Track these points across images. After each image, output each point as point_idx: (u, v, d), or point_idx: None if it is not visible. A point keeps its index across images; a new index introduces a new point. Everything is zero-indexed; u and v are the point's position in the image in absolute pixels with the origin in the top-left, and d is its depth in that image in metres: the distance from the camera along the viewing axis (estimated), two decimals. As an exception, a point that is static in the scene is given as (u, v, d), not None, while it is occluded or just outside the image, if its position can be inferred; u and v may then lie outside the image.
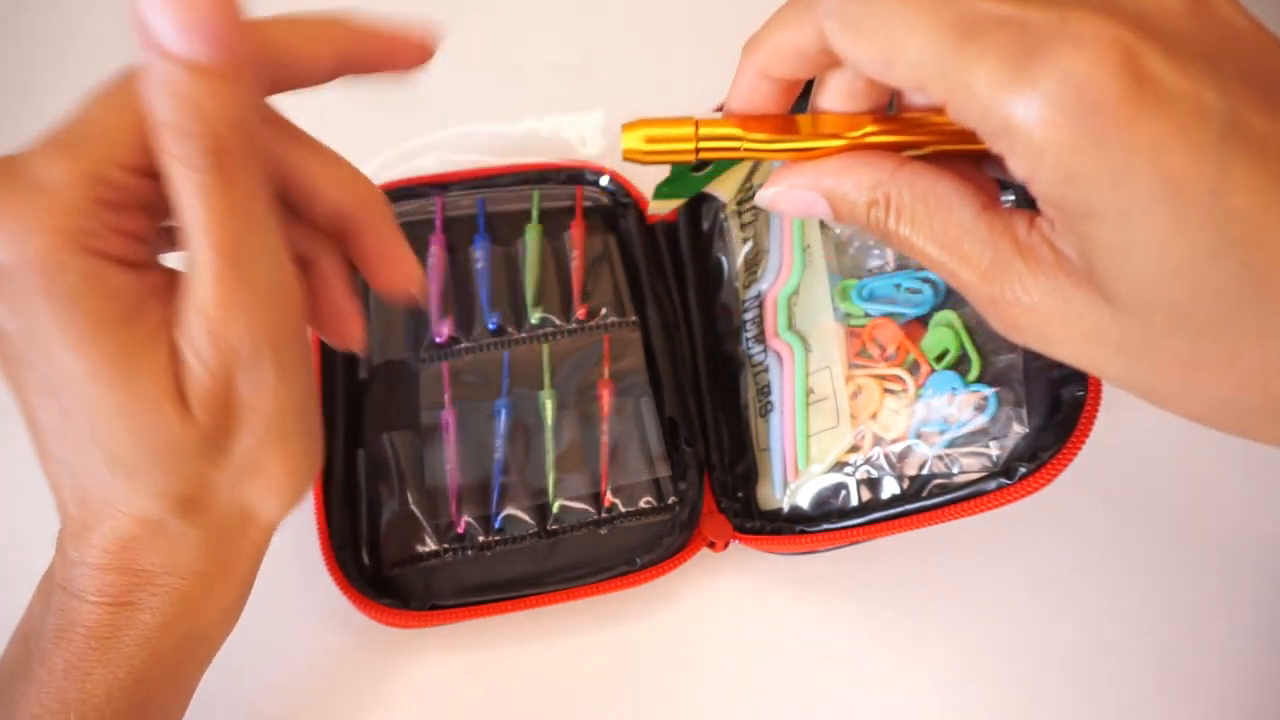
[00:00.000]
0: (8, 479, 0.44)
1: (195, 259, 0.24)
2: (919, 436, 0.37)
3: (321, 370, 0.42)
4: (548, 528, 0.40)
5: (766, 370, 0.41)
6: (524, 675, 0.40)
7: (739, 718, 0.39)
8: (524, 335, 0.44)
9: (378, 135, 0.52)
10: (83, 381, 0.24)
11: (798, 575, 0.41)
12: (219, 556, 0.28)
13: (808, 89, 0.27)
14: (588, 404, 0.42)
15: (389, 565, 0.40)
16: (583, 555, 0.40)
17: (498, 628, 0.39)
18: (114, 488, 0.26)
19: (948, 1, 0.21)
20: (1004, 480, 0.35)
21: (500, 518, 0.40)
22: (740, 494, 0.41)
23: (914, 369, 0.38)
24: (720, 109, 0.28)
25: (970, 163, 0.26)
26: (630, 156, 0.26)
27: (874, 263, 0.40)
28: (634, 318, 0.44)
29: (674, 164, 0.27)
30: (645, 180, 0.47)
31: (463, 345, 0.43)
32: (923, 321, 0.38)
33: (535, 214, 0.46)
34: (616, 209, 0.47)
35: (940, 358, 0.37)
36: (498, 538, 0.40)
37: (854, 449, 0.38)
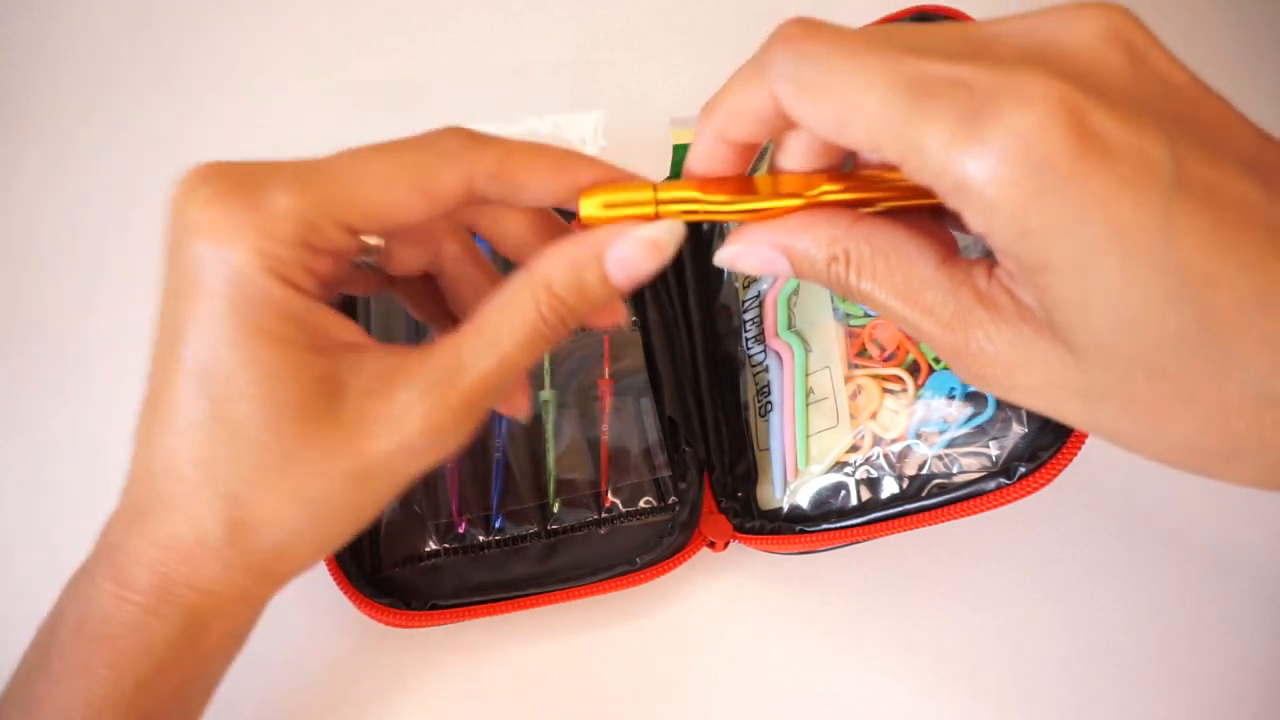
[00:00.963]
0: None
1: (474, 355, 0.27)
2: (918, 436, 0.37)
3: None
4: (548, 528, 0.40)
5: (766, 370, 0.41)
6: (524, 675, 0.40)
7: (739, 717, 0.39)
8: (524, 335, 0.44)
9: (378, 135, 0.52)
10: (225, 378, 0.26)
11: (798, 575, 0.41)
12: (237, 583, 0.28)
13: None
14: (588, 404, 0.42)
15: (389, 565, 0.40)
16: (583, 555, 0.40)
17: (498, 628, 0.39)
18: (189, 483, 0.27)
19: (897, 63, 0.22)
20: (1003, 480, 0.35)
21: (500, 518, 0.40)
22: (740, 494, 0.41)
23: (913, 369, 0.38)
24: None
25: (926, 215, 0.26)
26: (589, 222, 0.27)
27: (874, 263, 0.40)
28: (634, 318, 0.44)
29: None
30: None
31: (463, 345, 0.43)
32: (922, 321, 0.38)
33: (535, 214, 0.46)
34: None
35: (940, 358, 0.37)
36: (498, 538, 0.40)
37: (854, 449, 0.38)
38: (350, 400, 0.27)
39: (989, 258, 0.24)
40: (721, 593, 0.41)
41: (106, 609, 0.27)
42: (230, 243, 0.25)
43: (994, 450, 0.36)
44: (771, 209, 0.26)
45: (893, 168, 0.24)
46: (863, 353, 0.39)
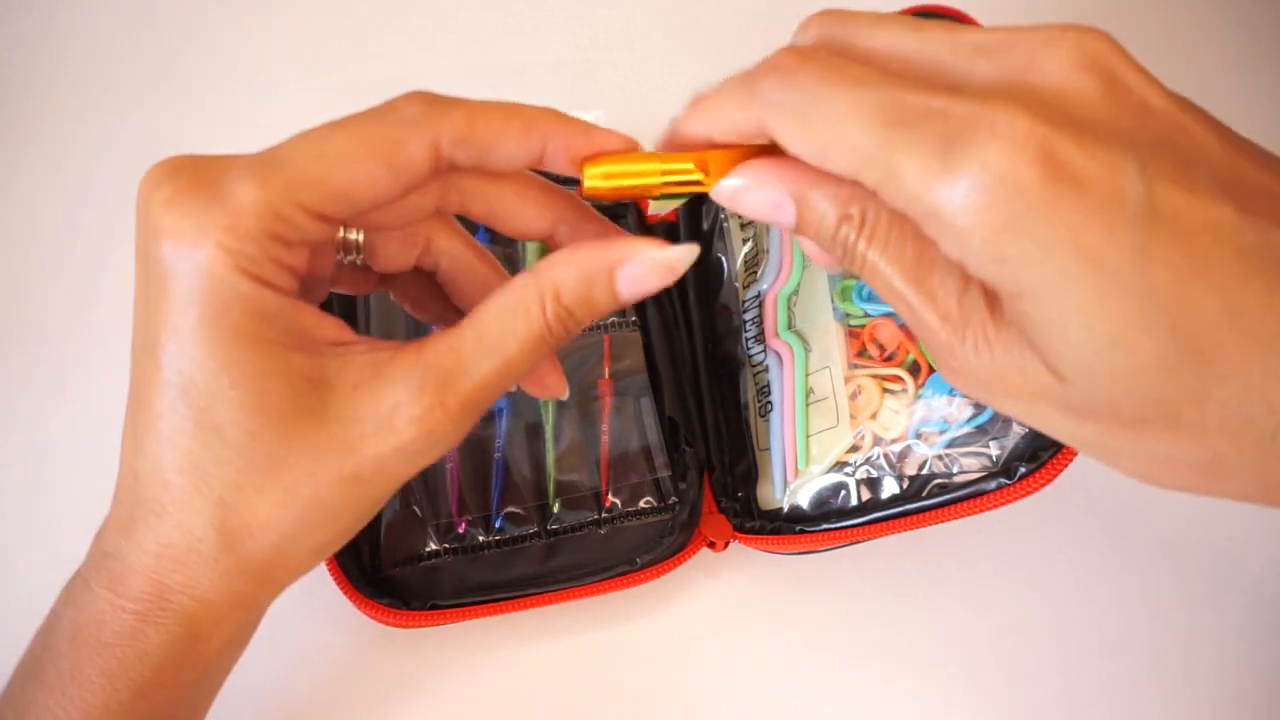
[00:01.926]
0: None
1: (476, 357, 0.26)
2: (919, 436, 0.37)
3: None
4: (548, 528, 0.40)
5: (766, 370, 0.41)
6: (524, 675, 0.40)
7: (739, 717, 0.39)
8: (524, 335, 0.44)
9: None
10: (204, 384, 0.25)
11: (798, 575, 0.41)
12: (234, 589, 0.27)
13: None
14: (588, 404, 0.42)
15: (389, 565, 0.40)
16: (583, 555, 0.40)
17: (498, 628, 0.39)
18: (176, 489, 0.26)
19: (877, 92, 0.22)
20: (1004, 480, 0.35)
21: (500, 518, 0.40)
22: (740, 494, 0.41)
23: (914, 369, 0.38)
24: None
25: None
26: (592, 193, 0.27)
27: (874, 263, 0.40)
28: (634, 318, 0.44)
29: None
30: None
31: (463, 345, 0.43)
32: (923, 321, 0.38)
33: (535, 214, 0.46)
34: (616, 209, 0.47)
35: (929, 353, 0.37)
36: (498, 538, 0.40)
37: (854, 449, 0.38)
38: (337, 399, 0.26)
39: None
40: (721, 593, 0.41)
41: (102, 616, 0.27)
42: (195, 243, 0.24)
43: (994, 450, 0.36)
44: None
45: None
46: (863, 353, 0.39)
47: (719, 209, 0.45)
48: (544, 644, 0.40)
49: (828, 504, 0.38)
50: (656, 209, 0.46)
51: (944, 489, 0.36)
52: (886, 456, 0.37)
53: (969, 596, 0.40)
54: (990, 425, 0.36)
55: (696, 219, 0.47)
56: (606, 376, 0.43)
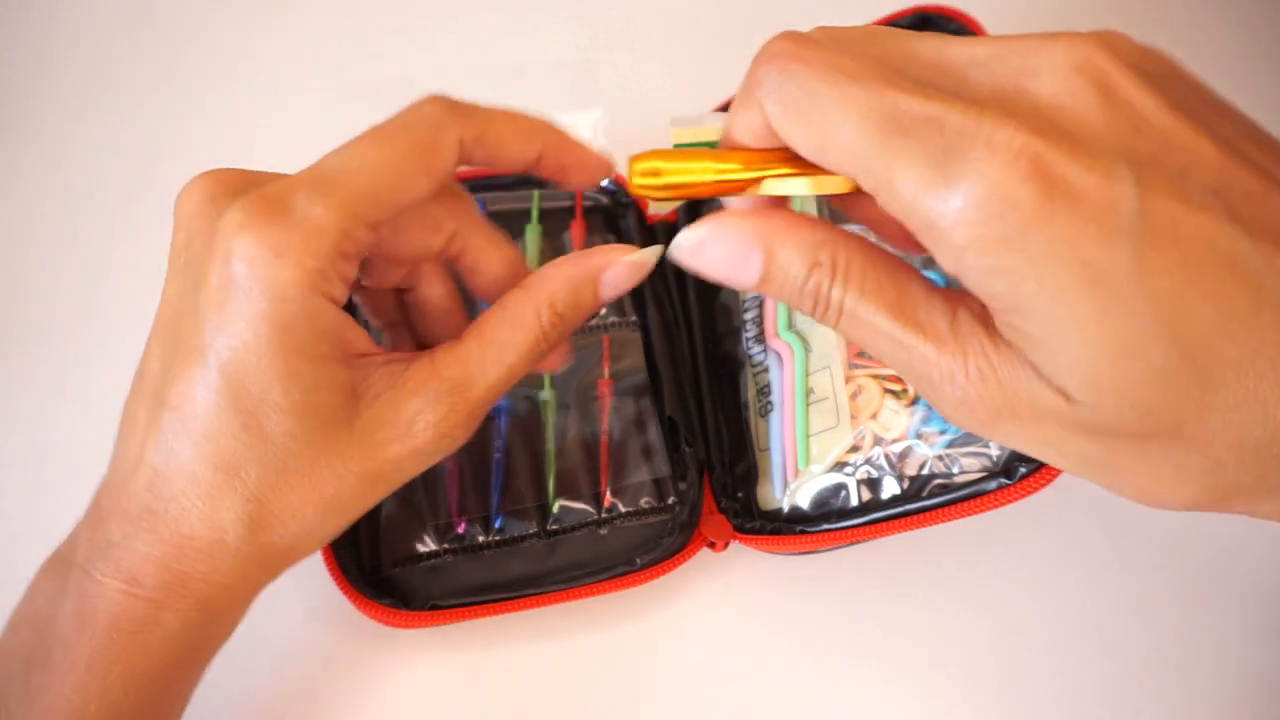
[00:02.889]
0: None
1: (483, 367, 0.30)
2: (919, 436, 0.37)
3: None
4: (548, 528, 0.40)
5: (766, 370, 0.41)
6: (524, 675, 0.40)
7: (739, 718, 0.39)
8: (524, 335, 0.44)
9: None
10: (258, 393, 0.27)
11: (798, 575, 0.41)
12: (250, 575, 0.30)
13: None
14: (588, 404, 0.42)
15: (389, 565, 0.40)
16: (583, 555, 0.40)
17: (498, 628, 0.39)
18: (208, 484, 0.28)
19: (875, 94, 0.22)
20: (1004, 480, 0.35)
21: (500, 518, 0.40)
22: (740, 494, 0.41)
23: (914, 369, 0.38)
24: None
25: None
26: (640, 191, 0.26)
27: (874, 263, 0.40)
28: (634, 318, 0.44)
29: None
30: (645, 180, 0.47)
31: (463, 345, 0.43)
32: (923, 321, 0.38)
33: (535, 214, 0.46)
34: (616, 209, 0.47)
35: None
36: (498, 538, 0.40)
37: (854, 449, 0.38)
38: (364, 407, 0.29)
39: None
40: (721, 593, 0.41)
41: (114, 605, 0.28)
42: (276, 264, 0.26)
43: (995, 450, 0.36)
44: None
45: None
46: (863, 353, 0.39)
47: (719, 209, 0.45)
48: (544, 644, 0.40)
49: (828, 504, 0.38)
50: (656, 209, 0.46)
51: (944, 489, 0.36)
52: (887, 457, 0.37)
53: (969, 597, 0.40)
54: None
55: (697, 220, 0.47)
56: (606, 376, 0.43)
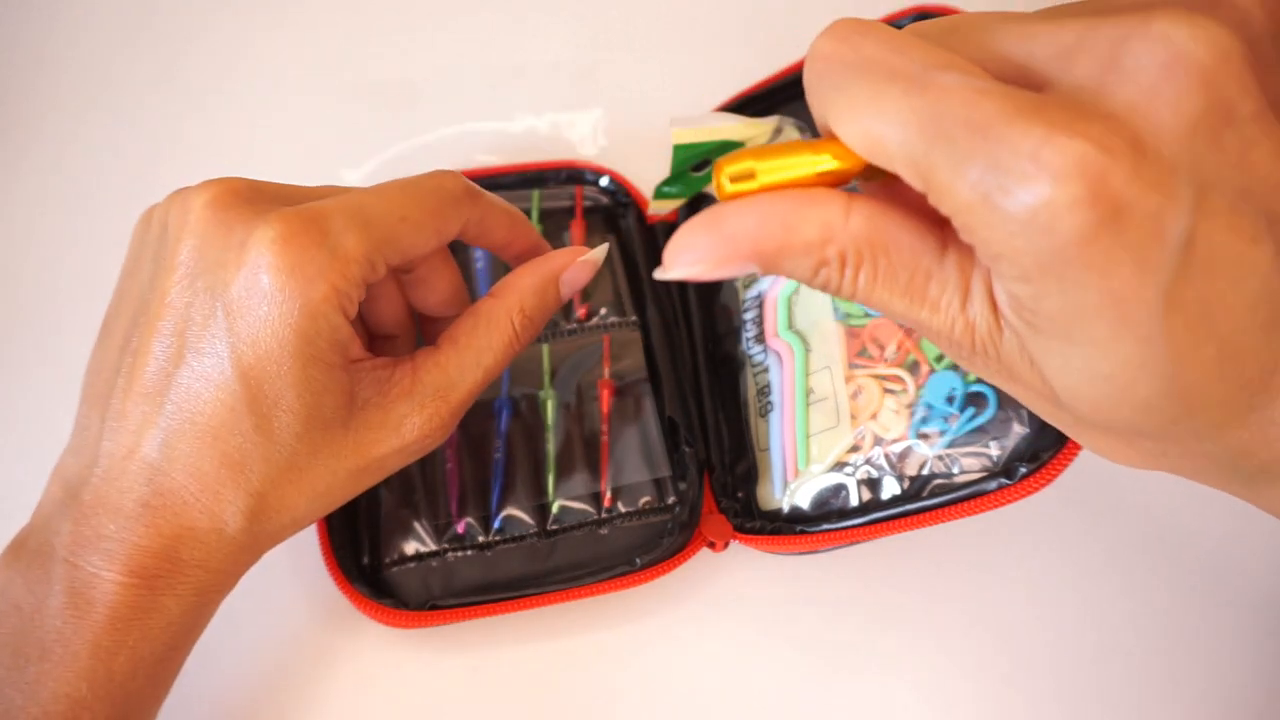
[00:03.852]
0: None
1: (462, 371, 0.33)
2: (919, 436, 0.37)
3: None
4: (547, 528, 0.40)
5: (766, 370, 0.41)
6: (524, 675, 0.40)
7: (739, 717, 0.39)
8: (524, 335, 0.44)
9: (378, 135, 0.52)
10: (273, 396, 0.29)
11: (798, 575, 0.41)
12: (241, 560, 0.32)
13: None
14: (588, 404, 0.42)
15: (388, 565, 0.40)
16: (583, 555, 0.40)
17: (498, 628, 0.39)
18: (212, 480, 0.30)
19: (917, 95, 0.20)
20: (1004, 480, 0.35)
21: (500, 518, 0.40)
22: (740, 494, 0.41)
23: (914, 369, 0.38)
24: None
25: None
26: (729, 194, 0.24)
27: (874, 263, 0.40)
28: (634, 318, 0.44)
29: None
30: (645, 181, 0.47)
31: (463, 345, 0.43)
32: (923, 321, 0.38)
33: (535, 214, 0.46)
34: (616, 209, 0.47)
35: (940, 357, 0.37)
36: (497, 538, 0.40)
37: (854, 449, 0.38)
38: (358, 410, 0.32)
39: None
40: (721, 593, 0.41)
41: (112, 595, 0.29)
42: (311, 282, 0.29)
43: (995, 450, 0.36)
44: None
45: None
46: (863, 353, 0.39)
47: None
48: (544, 644, 0.40)
49: (828, 504, 0.38)
50: (656, 209, 0.46)
51: (944, 489, 0.36)
52: (887, 457, 0.37)
53: (969, 597, 0.40)
54: (990, 425, 0.36)
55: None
56: (606, 376, 0.43)
